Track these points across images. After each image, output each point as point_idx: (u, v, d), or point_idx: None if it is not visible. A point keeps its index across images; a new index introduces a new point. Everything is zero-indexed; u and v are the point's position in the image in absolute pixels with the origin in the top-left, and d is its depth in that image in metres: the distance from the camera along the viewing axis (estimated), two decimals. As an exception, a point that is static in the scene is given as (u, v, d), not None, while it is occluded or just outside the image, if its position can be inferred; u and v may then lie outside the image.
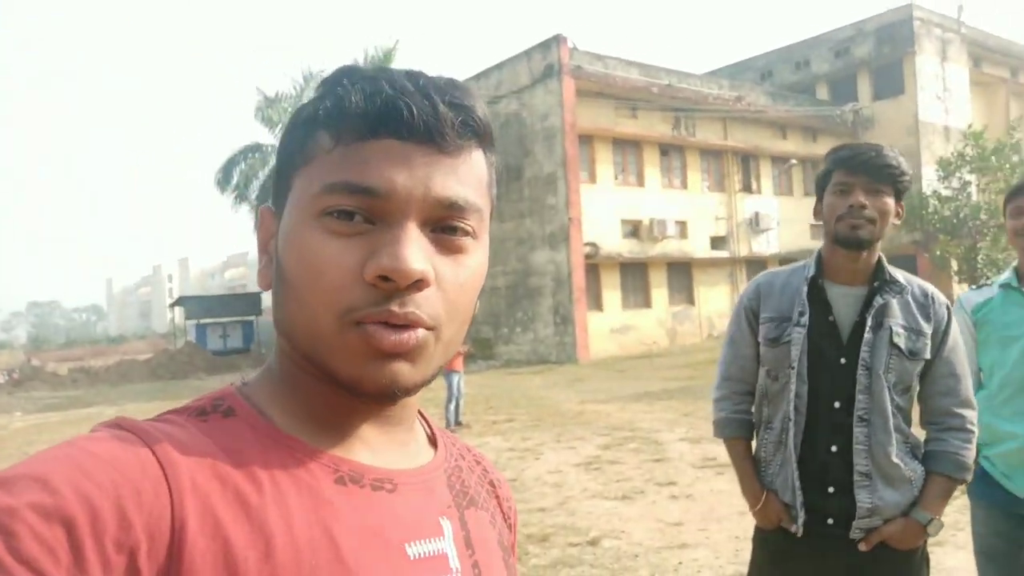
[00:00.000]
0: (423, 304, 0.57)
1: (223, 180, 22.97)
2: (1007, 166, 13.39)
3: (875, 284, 1.92)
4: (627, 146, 21.76)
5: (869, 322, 1.89)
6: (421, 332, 0.57)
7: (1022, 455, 2.24)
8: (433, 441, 0.71)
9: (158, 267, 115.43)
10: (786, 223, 25.23)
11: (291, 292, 0.58)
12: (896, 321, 1.90)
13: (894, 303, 1.91)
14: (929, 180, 23.49)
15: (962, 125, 27.48)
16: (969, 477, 1.92)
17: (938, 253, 14.10)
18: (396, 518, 0.59)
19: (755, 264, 24.74)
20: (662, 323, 22.12)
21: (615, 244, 21.06)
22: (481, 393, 13.83)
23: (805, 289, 1.97)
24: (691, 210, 22.88)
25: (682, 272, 22.96)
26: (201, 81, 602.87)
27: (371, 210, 0.56)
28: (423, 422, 0.73)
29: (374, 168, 0.56)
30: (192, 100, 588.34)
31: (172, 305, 33.13)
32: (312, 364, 0.59)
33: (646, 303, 21.98)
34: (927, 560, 1.96)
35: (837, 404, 1.90)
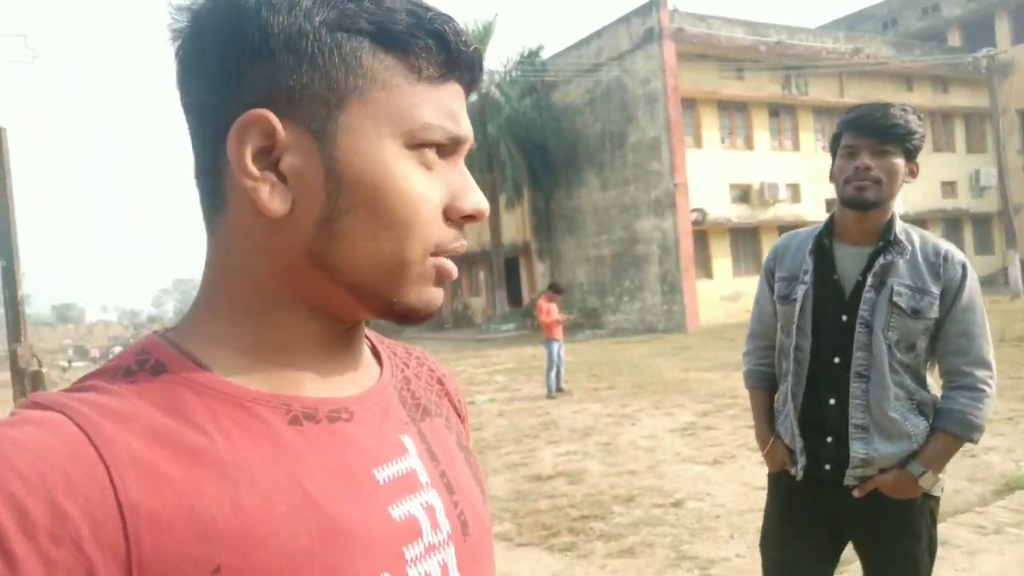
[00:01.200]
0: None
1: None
2: None
3: (880, 244, 1.95)
4: (733, 108, 21.06)
5: (870, 281, 1.93)
6: None
7: None
8: (375, 353, 0.70)
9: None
10: (913, 181, 23.70)
11: (373, 221, 0.56)
12: (899, 280, 1.92)
13: (900, 263, 1.94)
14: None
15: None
16: (977, 437, 1.91)
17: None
18: (359, 446, 0.58)
19: (877, 226, 23.43)
20: (774, 290, 21.41)
21: (724, 209, 20.52)
22: (585, 361, 13.99)
23: (810, 247, 2.03)
24: (804, 172, 21.90)
25: (796, 237, 22.09)
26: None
27: (446, 150, 0.59)
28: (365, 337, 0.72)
29: (458, 113, 0.59)
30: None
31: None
32: (357, 296, 0.58)
33: (757, 269, 21.29)
34: (933, 519, 1.97)
35: (837, 360, 1.96)
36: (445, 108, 0.58)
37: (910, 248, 1.96)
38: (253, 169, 0.55)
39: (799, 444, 2.02)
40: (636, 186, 20.40)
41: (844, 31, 24.37)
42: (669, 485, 5.46)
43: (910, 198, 23.59)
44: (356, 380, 0.64)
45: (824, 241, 2.03)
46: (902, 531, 1.95)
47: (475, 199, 0.60)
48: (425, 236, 0.57)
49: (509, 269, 23.97)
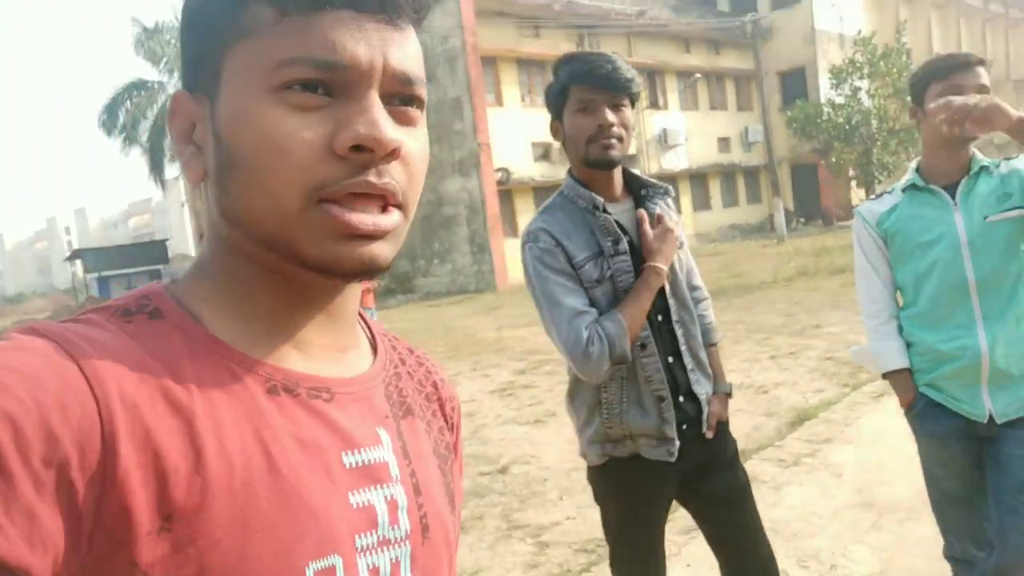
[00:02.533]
0: (396, 175, 0.57)
1: (108, 122, 21.58)
2: (894, 70, 13.78)
3: (641, 193, 1.94)
4: (532, 66, 21.38)
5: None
6: (395, 213, 0.58)
7: (974, 369, 2.03)
8: (374, 346, 0.70)
9: (52, 219, 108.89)
10: (694, 138, 25.55)
11: (247, 175, 0.55)
12: (672, 222, 1.90)
13: (661, 205, 1.93)
14: (825, 89, 24.14)
15: (855, 33, 28.18)
16: (717, 337, 2.07)
17: (834, 160, 14.53)
18: (333, 427, 0.58)
19: (666, 181, 24.99)
20: (577, 244, 22.28)
21: (527, 168, 20.91)
22: (399, 327, 13.71)
23: (603, 219, 1.84)
24: (600, 129, 22.81)
25: (594, 192, 23.05)
26: (73, 9, 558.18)
27: (333, 83, 0.55)
28: (364, 326, 0.71)
29: (336, 39, 0.54)
30: (67, 34, 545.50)
31: (69, 259, 31.39)
32: (273, 251, 0.57)
33: (561, 226, 22.04)
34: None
35: (660, 318, 1.90)
36: (318, 39, 0.54)
37: (662, 187, 1.98)
38: (180, 145, 0.60)
39: (671, 421, 1.86)
40: (440, 147, 20.18)
41: (630, -7, 25.48)
42: (493, 451, 5.40)
43: (692, 152, 25.44)
44: (344, 363, 0.64)
45: (603, 207, 1.85)
46: (736, 465, 2.01)
47: (358, 128, 0.54)
48: (299, 179, 0.54)
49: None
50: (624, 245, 1.84)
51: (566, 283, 1.80)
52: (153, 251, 29.33)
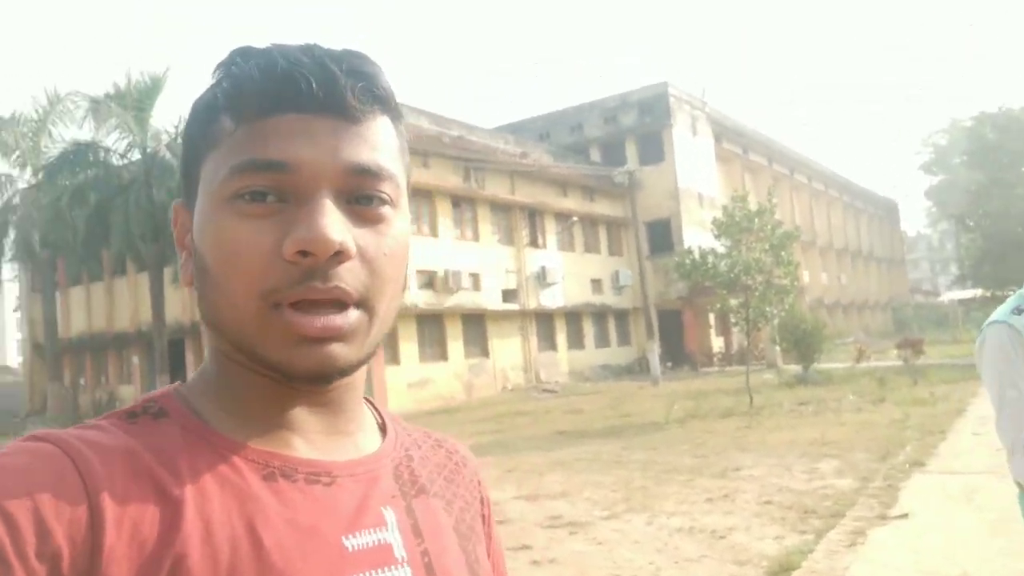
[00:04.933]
0: (347, 277, 0.55)
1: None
2: (768, 227, 14.96)
3: None
4: (420, 196, 21.42)
5: None
6: (353, 314, 0.56)
7: None
8: (384, 429, 0.68)
9: None
10: (569, 278, 26.28)
11: (211, 281, 0.57)
12: None
13: None
14: (688, 239, 25.86)
15: (711, 193, 30.78)
16: None
17: (718, 306, 15.28)
18: (332, 511, 0.57)
19: (544, 317, 25.36)
20: (459, 376, 21.72)
21: (411, 295, 20.44)
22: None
23: None
24: (483, 263, 22.97)
25: (477, 324, 22.86)
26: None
27: (282, 187, 0.55)
28: (373, 411, 0.70)
29: (277, 142, 0.55)
30: None
31: None
32: (241, 352, 0.58)
33: (443, 356, 21.50)
34: None
35: None
36: (261, 143, 0.55)
37: None
38: (178, 250, 0.63)
39: None
40: (321, 266, 19.38)
41: (513, 135, 26.64)
42: None
43: (567, 291, 26.06)
44: (349, 447, 0.63)
45: None
46: None
47: (300, 231, 0.54)
48: (250, 284, 0.55)
49: (174, 353, 20.91)
50: None
51: None
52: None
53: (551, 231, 26.45)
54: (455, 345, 21.84)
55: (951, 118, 63.87)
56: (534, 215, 25.78)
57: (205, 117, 0.58)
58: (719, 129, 33.93)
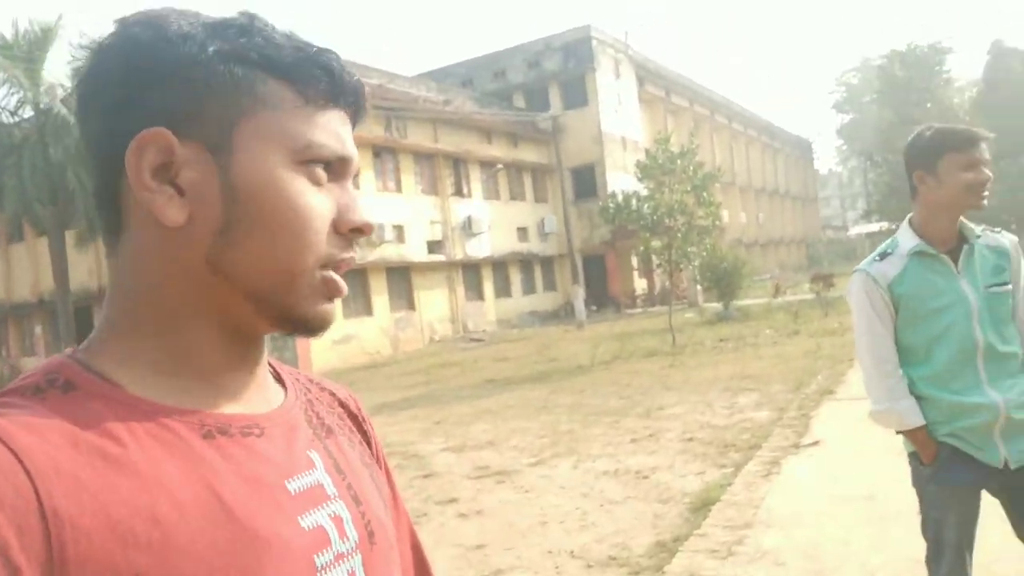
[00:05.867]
0: None
1: None
2: (691, 168, 15.12)
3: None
4: (339, 147, 20.80)
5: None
6: None
7: (990, 423, 2.21)
8: (279, 380, 0.73)
9: None
10: (496, 227, 26.15)
11: (268, 233, 0.60)
12: None
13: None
14: (612, 184, 26.00)
15: (634, 136, 30.93)
16: None
17: (642, 249, 15.46)
18: (270, 460, 0.61)
19: (470, 268, 25.25)
20: (385, 331, 21.51)
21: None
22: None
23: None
24: (407, 214, 22.60)
25: (402, 277, 22.58)
26: None
27: (335, 169, 0.63)
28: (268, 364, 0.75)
29: (343, 136, 0.64)
30: None
31: None
32: (258, 304, 0.61)
33: (367, 311, 21.21)
34: None
35: None
36: (331, 130, 0.63)
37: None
38: (150, 182, 0.58)
39: None
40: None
41: (435, 82, 26.01)
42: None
43: (494, 240, 25.97)
44: (265, 399, 0.67)
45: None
46: None
47: (360, 214, 0.64)
48: (315, 247, 0.61)
49: (81, 321, 19.92)
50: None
51: None
52: None
53: (476, 180, 26.16)
54: (380, 299, 21.56)
55: (863, 57, 65.76)
56: (458, 164, 25.42)
57: (242, 72, 0.60)
58: (642, 72, 33.97)
